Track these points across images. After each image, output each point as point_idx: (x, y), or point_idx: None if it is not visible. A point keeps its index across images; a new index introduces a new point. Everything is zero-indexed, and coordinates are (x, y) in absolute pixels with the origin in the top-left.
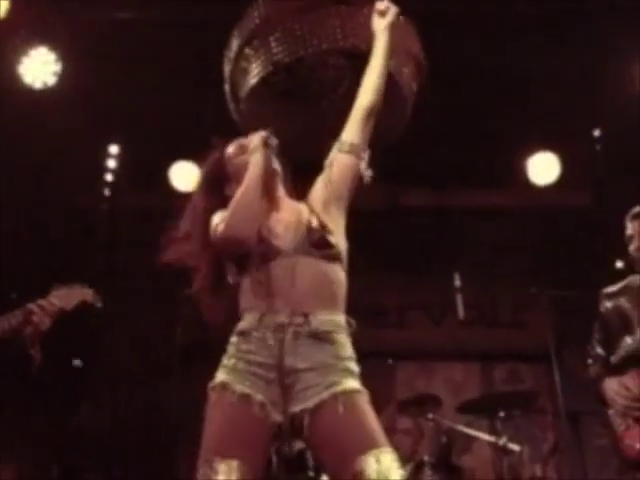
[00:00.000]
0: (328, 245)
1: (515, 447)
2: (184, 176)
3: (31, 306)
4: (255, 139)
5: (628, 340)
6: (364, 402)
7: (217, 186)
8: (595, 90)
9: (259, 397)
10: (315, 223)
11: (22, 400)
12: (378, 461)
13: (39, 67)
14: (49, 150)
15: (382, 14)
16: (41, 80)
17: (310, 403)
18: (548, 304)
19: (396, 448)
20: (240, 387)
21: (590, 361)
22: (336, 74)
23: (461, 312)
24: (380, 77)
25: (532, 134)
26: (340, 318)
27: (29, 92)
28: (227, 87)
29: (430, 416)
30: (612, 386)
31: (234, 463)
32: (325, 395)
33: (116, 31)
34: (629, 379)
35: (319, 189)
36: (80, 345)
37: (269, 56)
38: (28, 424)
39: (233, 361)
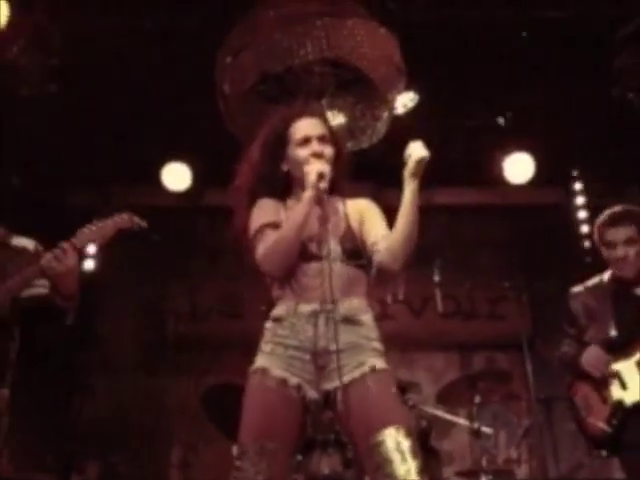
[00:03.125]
0: (358, 256)
1: (488, 430)
2: (175, 177)
3: (43, 262)
4: (312, 174)
5: (598, 335)
6: (389, 380)
7: (275, 147)
8: (568, 91)
9: (295, 380)
10: (350, 233)
11: (17, 389)
12: (396, 435)
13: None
14: (44, 152)
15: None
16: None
17: (342, 381)
18: (521, 297)
19: None
20: (278, 372)
21: (565, 349)
22: (321, 81)
23: (440, 305)
24: (403, 239)
25: (508, 135)
26: (364, 303)
27: (29, 99)
28: (219, 95)
29: (411, 402)
30: (591, 351)
31: (271, 445)
32: (356, 374)
33: (110, 38)
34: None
35: (362, 208)
36: (73, 336)
37: (259, 66)
38: (23, 413)
39: (271, 346)
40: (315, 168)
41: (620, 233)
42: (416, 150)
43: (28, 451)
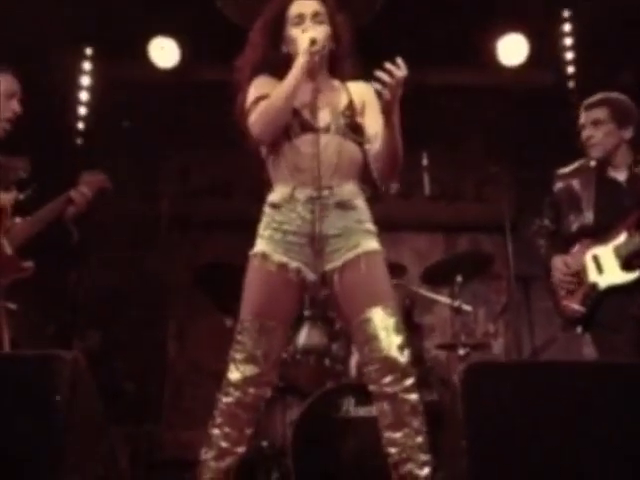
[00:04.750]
0: (359, 129)
1: (468, 308)
2: (163, 52)
3: (72, 192)
4: (304, 42)
5: (578, 218)
6: (381, 261)
7: (274, 28)
8: None
9: (294, 264)
10: (351, 108)
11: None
12: (383, 313)
13: None
14: (28, 26)
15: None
16: None
17: (338, 263)
18: (507, 181)
19: None
20: (278, 256)
21: (537, 231)
22: None
23: (427, 189)
24: (390, 162)
25: (501, 15)
26: (357, 187)
27: None
28: None
29: (395, 282)
30: (555, 263)
31: (271, 323)
32: (350, 255)
33: None
34: (572, 256)
35: (364, 91)
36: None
37: None
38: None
39: (269, 232)
40: (307, 35)
41: (590, 115)
42: (390, 80)
43: (31, 322)
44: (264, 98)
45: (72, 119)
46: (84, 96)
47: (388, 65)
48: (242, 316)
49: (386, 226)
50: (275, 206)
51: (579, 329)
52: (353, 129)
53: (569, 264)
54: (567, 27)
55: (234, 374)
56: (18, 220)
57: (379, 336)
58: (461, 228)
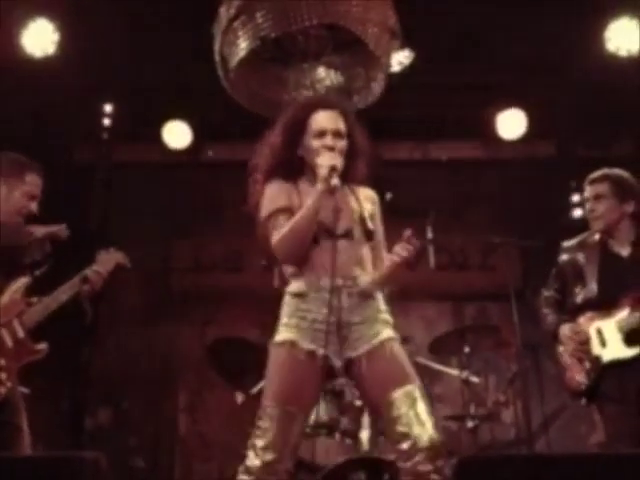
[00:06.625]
0: (371, 236)
1: (475, 379)
2: (176, 135)
3: (88, 272)
4: (324, 168)
5: (582, 291)
6: (399, 346)
7: (294, 133)
8: (563, 46)
9: (321, 351)
10: (365, 215)
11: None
12: (408, 393)
13: (39, 37)
14: (49, 112)
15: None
16: (41, 49)
17: (363, 350)
18: (511, 250)
19: None
20: (306, 344)
21: (544, 304)
22: (318, 44)
23: (432, 262)
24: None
25: (501, 90)
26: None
27: (30, 61)
28: (217, 58)
29: None
30: (565, 331)
31: (292, 409)
32: (375, 342)
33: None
34: (580, 325)
35: (372, 200)
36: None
37: (256, 31)
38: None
39: (295, 320)
40: (327, 162)
41: (592, 190)
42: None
43: (45, 399)
44: (281, 211)
45: (90, 202)
46: (101, 177)
47: (401, 245)
48: (265, 402)
49: (394, 295)
50: (300, 295)
51: (583, 401)
52: (367, 236)
53: (579, 333)
54: (563, 100)
55: (253, 461)
56: (35, 300)
57: (409, 414)
58: (468, 296)
